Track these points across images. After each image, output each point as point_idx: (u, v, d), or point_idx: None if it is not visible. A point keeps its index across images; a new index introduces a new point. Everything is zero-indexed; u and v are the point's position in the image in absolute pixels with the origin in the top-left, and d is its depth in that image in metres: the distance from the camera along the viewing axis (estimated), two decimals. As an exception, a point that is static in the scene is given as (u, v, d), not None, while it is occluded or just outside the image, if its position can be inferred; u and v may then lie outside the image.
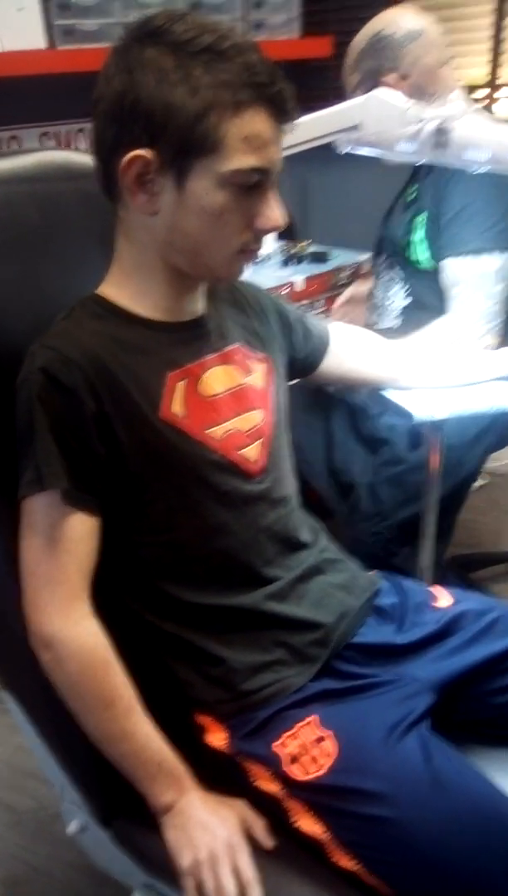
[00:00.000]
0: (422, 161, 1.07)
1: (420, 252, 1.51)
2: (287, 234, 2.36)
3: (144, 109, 0.75)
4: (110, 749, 0.82)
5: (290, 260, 2.28)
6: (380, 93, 1.03)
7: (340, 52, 1.56)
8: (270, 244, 2.24)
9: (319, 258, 2.28)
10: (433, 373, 1.20)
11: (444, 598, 1.03)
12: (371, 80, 1.40)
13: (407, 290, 1.59)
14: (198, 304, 0.91)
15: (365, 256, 2.20)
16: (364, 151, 1.13)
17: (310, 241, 2.36)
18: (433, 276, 1.51)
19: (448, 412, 1.15)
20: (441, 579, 1.68)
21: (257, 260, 2.20)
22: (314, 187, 2.70)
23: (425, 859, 0.75)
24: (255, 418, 0.92)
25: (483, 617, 0.98)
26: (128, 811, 0.91)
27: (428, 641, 0.96)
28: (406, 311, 1.59)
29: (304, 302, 2.05)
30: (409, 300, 1.58)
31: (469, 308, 1.44)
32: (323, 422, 1.68)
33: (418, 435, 1.41)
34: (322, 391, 1.60)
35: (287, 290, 2.06)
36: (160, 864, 0.83)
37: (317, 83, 2.19)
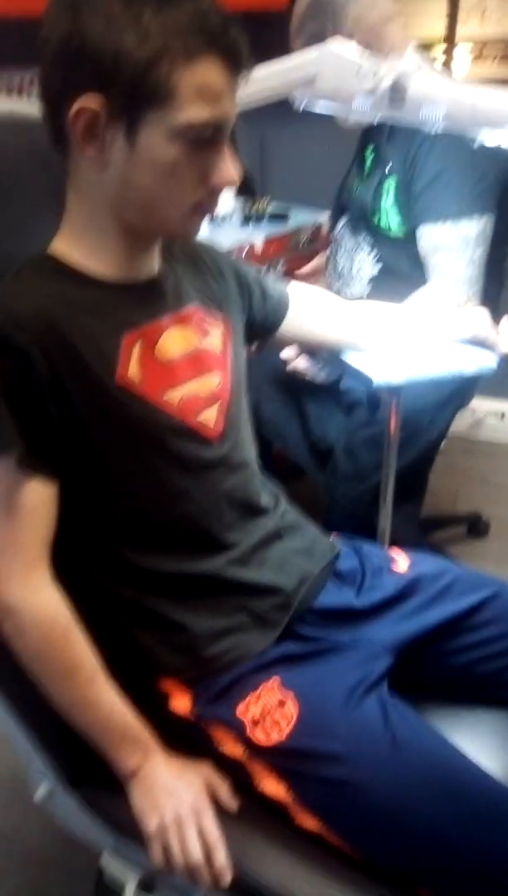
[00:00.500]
0: (378, 118, 1.04)
1: (391, 218, 1.49)
2: (246, 191, 2.33)
3: (92, 54, 0.71)
4: (74, 717, 0.82)
5: (249, 220, 2.24)
6: (335, 46, 0.99)
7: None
8: (228, 203, 2.20)
9: (278, 218, 2.25)
10: (392, 336, 1.19)
11: (402, 561, 1.04)
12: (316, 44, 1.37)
13: (376, 257, 1.57)
14: (154, 263, 0.89)
15: (325, 215, 2.18)
16: (321, 108, 1.10)
17: (269, 197, 2.33)
18: (404, 243, 1.50)
19: (405, 376, 1.15)
20: (417, 539, 1.71)
21: (216, 219, 2.17)
22: (272, 143, 2.65)
23: (385, 818, 0.76)
24: (212, 382, 0.90)
25: (440, 579, 1.00)
26: (94, 776, 0.91)
27: (386, 605, 0.97)
28: (376, 279, 1.58)
29: (263, 264, 2.03)
30: (378, 267, 1.57)
31: (451, 275, 1.43)
32: (294, 392, 1.67)
33: (377, 398, 1.41)
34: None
35: (247, 251, 2.03)
36: (127, 827, 0.84)
37: (271, 36, 2.14)
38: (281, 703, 0.83)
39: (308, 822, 0.80)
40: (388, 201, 1.49)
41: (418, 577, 1.00)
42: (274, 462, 1.79)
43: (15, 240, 0.88)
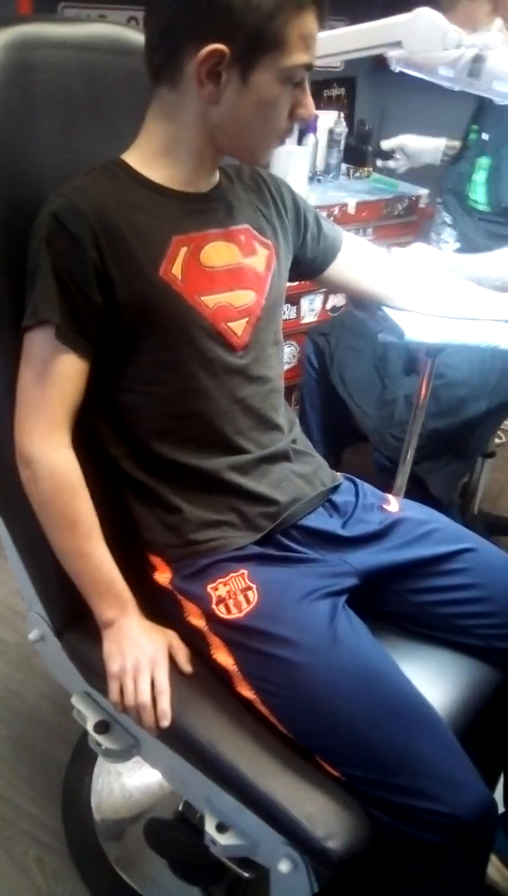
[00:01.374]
0: (458, 88, 1.09)
1: (480, 193, 1.54)
2: (355, 157, 2.37)
3: (221, 14, 0.82)
4: (69, 564, 0.94)
5: (350, 182, 2.29)
6: (426, 11, 1.05)
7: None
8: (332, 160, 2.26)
9: (380, 185, 2.30)
10: (429, 300, 1.25)
11: (395, 502, 1.11)
12: None
13: (457, 234, 1.62)
14: (213, 181, 0.98)
15: (426, 192, 2.21)
16: (411, 72, 1.16)
17: (371, 169, 2.36)
18: (488, 217, 1.54)
19: (439, 338, 1.21)
20: (451, 498, 1.76)
21: (316, 175, 2.23)
22: (392, 114, 2.67)
23: (311, 698, 0.85)
24: (247, 297, 0.99)
25: (423, 525, 1.07)
26: (79, 626, 1.04)
27: (368, 538, 1.04)
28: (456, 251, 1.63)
29: (350, 226, 2.08)
30: (459, 245, 1.62)
31: None
32: (379, 348, 1.75)
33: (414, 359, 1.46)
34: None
35: (339, 209, 2.09)
36: (98, 674, 0.96)
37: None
38: (246, 590, 0.92)
39: (246, 690, 0.90)
40: (481, 176, 1.54)
41: (403, 519, 1.07)
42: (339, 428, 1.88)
43: (97, 148, 0.98)
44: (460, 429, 1.61)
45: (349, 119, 2.59)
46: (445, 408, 1.59)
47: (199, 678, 0.94)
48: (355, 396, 1.76)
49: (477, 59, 0.99)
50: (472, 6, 1.36)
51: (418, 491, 1.57)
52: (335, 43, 1.00)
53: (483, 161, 1.54)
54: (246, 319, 0.99)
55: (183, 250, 0.93)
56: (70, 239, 0.86)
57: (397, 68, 1.20)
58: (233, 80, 0.86)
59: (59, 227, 0.86)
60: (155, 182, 0.94)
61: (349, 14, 2.50)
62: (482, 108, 1.59)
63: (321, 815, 0.82)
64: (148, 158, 0.94)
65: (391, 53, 1.10)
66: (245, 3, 0.82)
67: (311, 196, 2.04)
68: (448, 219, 1.69)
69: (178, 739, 0.92)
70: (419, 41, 1.03)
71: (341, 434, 1.96)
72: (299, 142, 2.12)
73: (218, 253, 0.97)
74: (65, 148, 0.97)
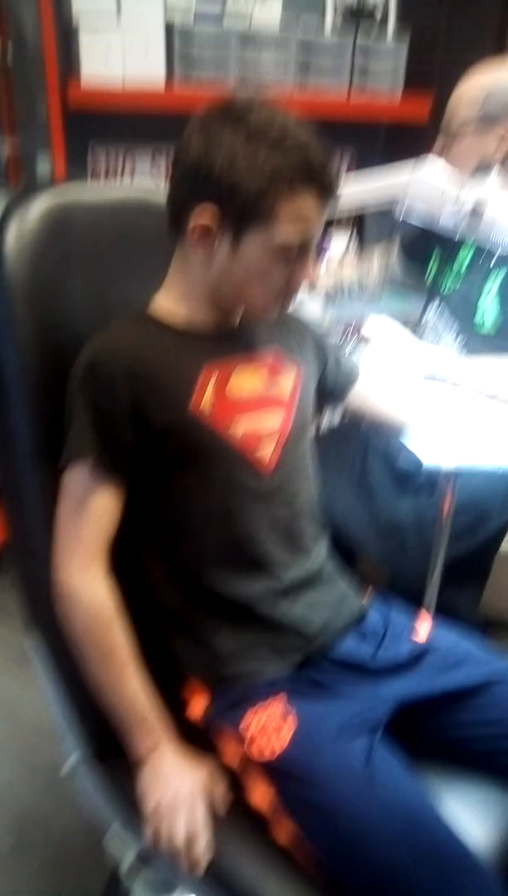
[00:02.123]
0: (459, 235, 1.18)
1: (488, 315, 1.59)
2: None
3: (215, 181, 0.90)
4: (104, 695, 0.94)
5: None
6: (425, 172, 1.15)
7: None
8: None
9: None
10: (453, 422, 1.29)
11: (423, 631, 1.11)
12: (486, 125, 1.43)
13: (463, 345, 1.65)
14: (236, 321, 1.05)
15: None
16: (416, 221, 1.26)
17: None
18: (493, 340, 1.59)
19: (456, 463, 1.24)
20: (482, 625, 1.72)
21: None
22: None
23: (350, 845, 0.84)
24: (275, 420, 1.03)
25: (452, 654, 1.07)
26: (117, 754, 1.02)
27: (397, 668, 1.04)
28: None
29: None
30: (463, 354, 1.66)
31: None
32: (358, 470, 1.73)
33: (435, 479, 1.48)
34: (352, 440, 1.68)
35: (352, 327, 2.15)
36: (133, 809, 0.94)
37: (413, 148, 2.31)
38: (282, 720, 0.92)
39: (284, 834, 0.88)
40: (487, 299, 1.59)
41: (432, 647, 1.07)
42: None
43: (126, 297, 1.06)
44: (473, 554, 1.60)
45: (360, 235, 2.68)
46: (459, 532, 1.56)
47: (236, 816, 0.92)
48: (345, 525, 1.68)
49: (475, 212, 1.08)
50: (475, 142, 1.39)
51: (443, 610, 1.55)
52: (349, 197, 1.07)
53: (493, 280, 1.55)
54: (275, 442, 1.02)
55: (211, 381, 0.98)
56: (104, 384, 0.93)
57: (400, 217, 1.30)
58: (225, 245, 0.93)
59: (92, 373, 0.93)
60: (179, 328, 1.01)
61: (355, 144, 2.70)
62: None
63: None
64: (171, 305, 1.02)
65: (397, 209, 1.19)
66: (233, 181, 0.88)
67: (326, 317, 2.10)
68: (457, 327, 1.70)
69: (217, 881, 0.89)
70: (421, 198, 1.13)
71: (341, 552, 1.91)
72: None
73: (246, 379, 1.01)
74: (98, 298, 1.05)
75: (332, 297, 1.90)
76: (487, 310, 1.60)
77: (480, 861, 0.85)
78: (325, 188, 0.92)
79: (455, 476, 1.35)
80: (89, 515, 0.93)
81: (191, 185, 0.93)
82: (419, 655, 1.06)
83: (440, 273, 1.76)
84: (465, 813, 0.93)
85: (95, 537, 0.93)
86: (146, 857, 0.99)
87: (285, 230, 0.91)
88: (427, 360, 1.34)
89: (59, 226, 1.02)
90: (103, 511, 0.94)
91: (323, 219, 0.95)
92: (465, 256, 1.67)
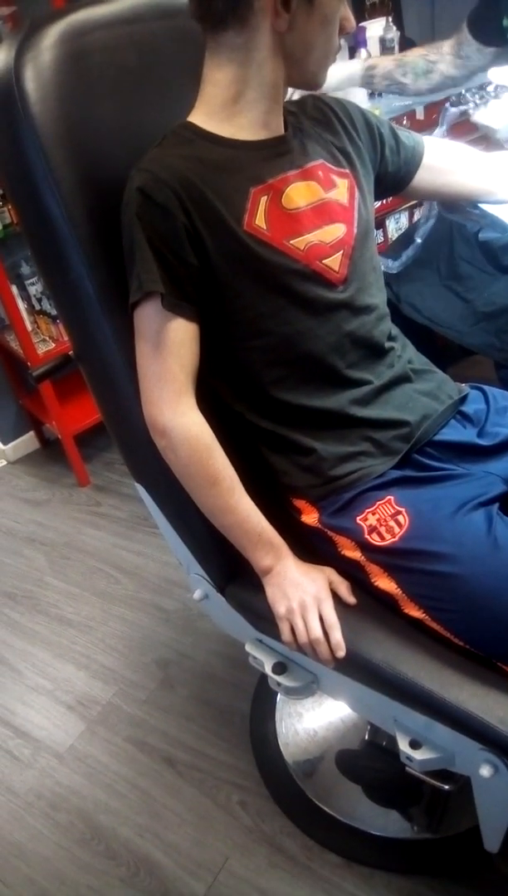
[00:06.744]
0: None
1: None
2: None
3: None
4: (219, 521, 0.97)
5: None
6: None
7: None
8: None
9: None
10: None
11: None
12: None
13: None
14: (281, 125, 0.98)
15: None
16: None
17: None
18: None
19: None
20: None
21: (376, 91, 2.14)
22: (443, 16, 2.53)
23: (479, 607, 0.86)
24: (337, 231, 0.98)
25: None
26: (239, 578, 1.09)
27: (505, 445, 1.02)
28: None
29: (424, 132, 1.99)
30: None
31: None
32: (446, 260, 1.67)
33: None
34: (434, 231, 1.60)
35: (406, 119, 2.02)
36: (265, 619, 1.00)
37: None
38: (395, 515, 0.93)
39: (414, 611, 0.91)
40: None
41: None
42: (440, 348, 1.83)
43: (160, 115, 0.99)
44: None
45: (398, 23, 2.47)
46: None
47: (364, 607, 0.96)
48: (435, 320, 1.69)
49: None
50: None
51: None
52: None
53: None
54: (341, 252, 0.98)
55: (263, 199, 0.94)
56: (159, 209, 0.88)
57: None
58: (302, 4, 0.88)
59: (145, 199, 0.88)
60: (226, 137, 0.94)
61: None
62: None
63: (514, 716, 0.82)
64: (215, 113, 0.95)
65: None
66: None
67: (376, 110, 1.98)
68: None
69: (356, 667, 0.94)
70: None
71: (434, 357, 1.89)
72: (351, 58, 2.05)
73: (299, 193, 0.96)
74: (130, 123, 0.99)
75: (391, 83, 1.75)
76: None
77: None
78: None
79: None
80: (169, 350, 0.92)
81: None
82: None
83: None
84: None
85: (179, 371, 0.93)
86: (282, 667, 1.06)
87: None
88: None
89: (74, 55, 0.94)
90: (182, 343, 0.92)
91: None
92: None
